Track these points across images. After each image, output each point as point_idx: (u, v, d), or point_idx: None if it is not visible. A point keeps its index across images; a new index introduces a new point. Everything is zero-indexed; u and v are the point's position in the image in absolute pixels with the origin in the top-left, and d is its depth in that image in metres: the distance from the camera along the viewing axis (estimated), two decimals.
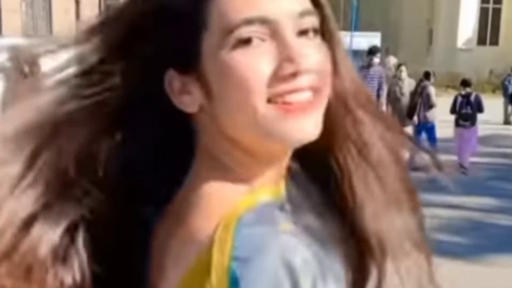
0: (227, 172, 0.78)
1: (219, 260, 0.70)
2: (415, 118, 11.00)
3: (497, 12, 35.96)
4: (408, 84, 11.78)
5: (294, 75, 0.73)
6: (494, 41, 35.69)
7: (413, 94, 11.37)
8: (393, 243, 0.82)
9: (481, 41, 35.15)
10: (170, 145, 0.84)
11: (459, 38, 33.83)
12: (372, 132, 0.82)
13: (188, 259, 0.74)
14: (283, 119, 0.73)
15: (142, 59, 0.77)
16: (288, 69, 0.72)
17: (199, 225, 0.75)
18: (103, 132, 0.79)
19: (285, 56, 0.72)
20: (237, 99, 0.73)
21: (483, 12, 35.37)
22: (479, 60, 31.17)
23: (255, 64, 0.72)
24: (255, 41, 0.72)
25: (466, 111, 11.37)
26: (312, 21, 0.75)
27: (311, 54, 0.73)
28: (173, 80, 0.78)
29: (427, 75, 11.79)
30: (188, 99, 0.77)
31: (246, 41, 0.72)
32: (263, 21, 0.72)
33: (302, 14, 0.74)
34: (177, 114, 0.79)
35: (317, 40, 0.76)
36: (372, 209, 0.81)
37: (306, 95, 0.74)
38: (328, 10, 0.77)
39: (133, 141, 0.80)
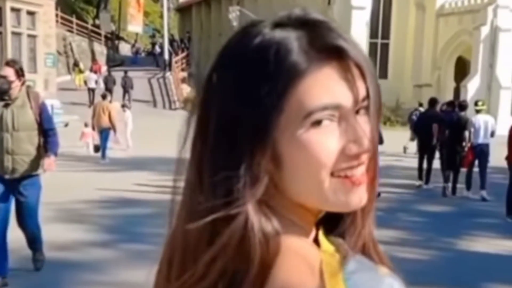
0: (293, 226, 0.86)
1: None
2: None
3: (385, 47, 37.25)
4: None
5: (358, 154, 0.83)
6: (383, 75, 36.89)
7: None
8: None
9: None
10: None
11: None
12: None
13: None
14: (344, 191, 0.84)
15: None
16: (354, 150, 0.83)
17: (294, 281, 0.80)
18: None
19: (351, 138, 0.83)
20: (306, 172, 0.83)
21: (372, 47, 36.54)
22: None
23: (326, 142, 0.82)
24: (325, 122, 0.82)
25: None
26: (366, 102, 0.86)
27: (368, 132, 0.84)
28: None
29: None
30: None
31: (318, 122, 0.82)
32: (336, 107, 0.82)
33: (363, 99, 0.84)
34: None
35: (366, 115, 0.86)
36: None
37: (363, 169, 0.85)
38: (377, 92, 0.87)
39: None
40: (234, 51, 0.85)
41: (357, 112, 0.84)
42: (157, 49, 49.35)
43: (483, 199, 12.68)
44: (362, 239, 0.93)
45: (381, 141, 11.84)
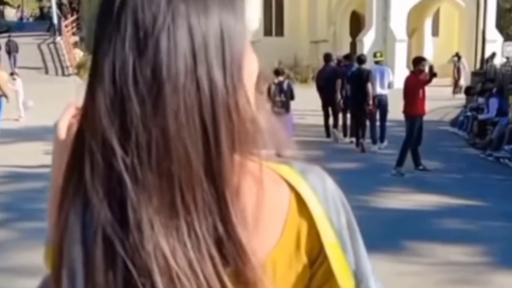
0: None
1: (308, 197, 0.94)
2: None
3: (279, 4, 37.10)
4: None
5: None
6: (279, 33, 36.82)
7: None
8: None
9: (267, 32, 36.01)
10: None
11: None
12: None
13: (277, 211, 0.93)
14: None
15: None
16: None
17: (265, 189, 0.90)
18: None
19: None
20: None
21: (267, 4, 36.34)
22: (267, 50, 31.72)
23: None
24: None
25: (281, 99, 11.77)
26: None
27: None
28: None
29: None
30: None
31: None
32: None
33: None
34: None
35: None
36: None
37: None
38: None
39: None
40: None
41: None
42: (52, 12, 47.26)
43: (379, 149, 13.08)
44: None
45: (292, 97, 11.84)
